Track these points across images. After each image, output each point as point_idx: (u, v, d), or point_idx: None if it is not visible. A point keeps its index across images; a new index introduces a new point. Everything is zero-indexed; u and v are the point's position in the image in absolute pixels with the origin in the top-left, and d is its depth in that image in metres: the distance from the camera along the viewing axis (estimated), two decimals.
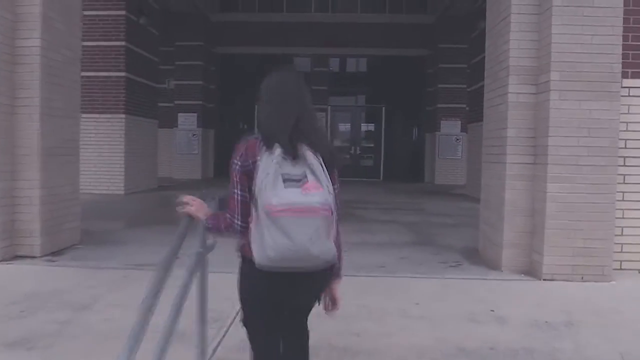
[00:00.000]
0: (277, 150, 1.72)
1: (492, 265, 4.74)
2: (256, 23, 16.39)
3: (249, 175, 1.78)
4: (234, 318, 3.37)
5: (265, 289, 1.84)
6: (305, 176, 1.70)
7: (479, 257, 5.14)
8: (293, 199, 1.66)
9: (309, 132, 1.81)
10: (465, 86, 15.30)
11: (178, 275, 2.14)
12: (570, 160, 4.26)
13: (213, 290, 4.08)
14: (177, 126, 15.86)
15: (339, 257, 1.93)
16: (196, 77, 15.79)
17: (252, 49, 16.57)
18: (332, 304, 2.05)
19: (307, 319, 2.06)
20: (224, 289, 4.14)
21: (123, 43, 10.19)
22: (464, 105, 15.38)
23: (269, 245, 1.66)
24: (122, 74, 10.22)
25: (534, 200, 4.47)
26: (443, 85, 15.48)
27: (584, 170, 4.26)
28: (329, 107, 16.68)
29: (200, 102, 15.82)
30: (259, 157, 1.76)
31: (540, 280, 4.29)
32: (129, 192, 10.37)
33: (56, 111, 4.97)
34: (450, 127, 15.50)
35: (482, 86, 10.87)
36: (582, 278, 4.22)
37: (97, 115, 10.25)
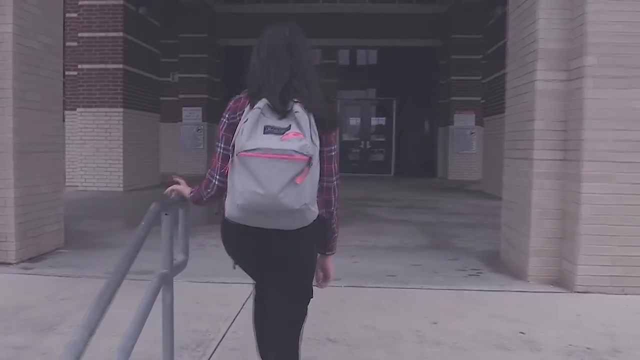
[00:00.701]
0: (263, 101, 1.65)
1: (517, 273, 4.22)
2: (262, 14, 15.86)
3: (233, 129, 1.71)
4: (220, 341, 2.90)
5: (236, 237, 1.78)
6: (289, 128, 1.62)
7: (500, 263, 4.62)
8: (267, 143, 1.58)
9: (301, 89, 1.71)
10: (479, 78, 14.70)
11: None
12: (608, 157, 3.72)
13: (197, 304, 3.63)
14: (181, 120, 15.43)
15: (333, 229, 1.84)
16: (201, 70, 15.34)
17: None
18: (324, 277, 1.93)
19: (294, 298, 1.85)
20: (211, 303, 3.68)
21: (121, 34, 9.74)
22: (479, 98, 14.79)
23: (238, 191, 1.60)
24: (120, 65, 9.77)
25: (565, 201, 3.94)
26: (456, 77, 14.88)
27: (623, 168, 3.72)
28: (339, 101, 16.15)
29: (206, 96, 15.38)
30: (240, 112, 1.72)
31: (572, 292, 3.77)
32: (129, 189, 9.95)
33: (32, 104, 4.52)
34: (464, 121, 14.90)
35: (499, 77, 10.35)
36: (622, 291, 3.69)
37: (94, 109, 9.83)
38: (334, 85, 15.93)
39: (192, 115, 15.41)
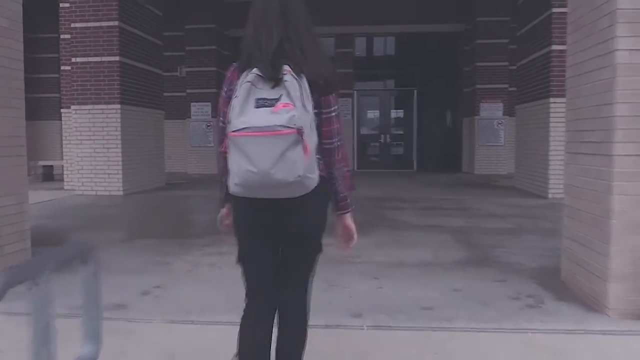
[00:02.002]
0: (253, 71, 1.64)
1: (590, 302, 3.28)
2: None
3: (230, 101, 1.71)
4: None
5: (243, 214, 1.80)
6: (279, 98, 1.60)
7: (563, 286, 3.68)
8: (255, 120, 1.58)
9: (294, 54, 1.70)
10: (506, 64, 13.67)
11: None
12: None
13: None
14: (190, 117, 14.65)
15: (338, 190, 1.83)
16: (209, 62, 14.51)
17: None
18: (345, 237, 1.90)
19: (303, 276, 1.87)
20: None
21: (116, 23, 8.93)
22: (506, 85, 13.75)
23: (234, 171, 1.63)
24: (117, 58, 8.96)
25: None
26: (482, 63, 13.82)
27: None
28: (355, 92, 15.20)
29: (215, 90, 14.52)
30: (237, 81, 1.71)
31: None
32: (129, 193, 9.17)
33: None
34: (490, 110, 13.85)
35: (533, 61, 9.30)
36: None
37: (89, 107, 9.05)
38: (350, 75, 15.00)
39: (201, 111, 14.61)
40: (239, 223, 1.83)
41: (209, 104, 14.53)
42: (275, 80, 1.63)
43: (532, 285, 3.71)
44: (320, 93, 1.72)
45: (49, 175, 12.16)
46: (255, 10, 1.79)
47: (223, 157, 1.78)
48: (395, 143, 15.13)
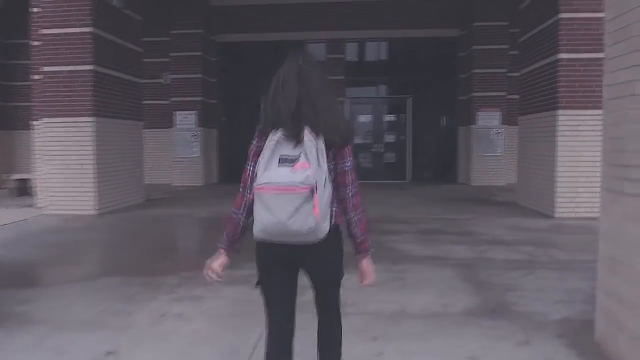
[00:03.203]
0: (279, 132, 1.91)
1: None
2: (262, 6, 14.36)
3: (257, 153, 1.98)
4: None
5: (264, 256, 2.05)
6: (299, 157, 1.86)
7: (599, 350, 3.07)
8: (277, 177, 1.83)
9: (309, 114, 1.94)
10: (505, 70, 13.15)
11: None
12: None
13: None
14: (174, 126, 13.97)
15: (354, 234, 2.05)
16: (195, 69, 13.86)
17: (258, 36, 14.56)
18: (363, 278, 2.11)
19: (332, 300, 2.17)
20: None
21: (90, 29, 8.26)
22: (504, 93, 13.22)
23: (257, 219, 1.88)
24: (90, 67, 8.29)
25: None
26: (478, 70, 13.27)
27: None
28: (347, 99, 14.60)
29: (200, 98, 13.90)
30: (265, 139, 1.95)
31: None
32: (105, 212, 8.50)
33: None
34: (488, 119, 13.31)
35: (539, 69, 8.71)
36: None
37: (61, 119, 8.37)
38: (342, 82, 14.40)
39: (186, 120, 13.93)
40: (261, 258, 2.08)
41: (194, 112, 13.88)
42: (297, 140, 1.90)
43: (562, 350, 3.09)
44: (335, 148, 1.98)
45: (24, 190, 11.44)
46: (278, 76, 2.04)
47: (241, 197, 2.09)
48: (389, 153, 14.50)
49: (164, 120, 14.48)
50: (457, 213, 8.36)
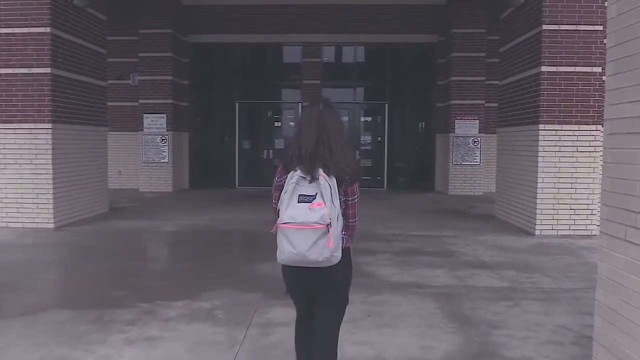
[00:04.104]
0: (297, 172, 2.28)
1: None
2: (236, 7, 13.88)
3: (281, 189, 2.34)
4: None
5: (288, 276, 2.47)
6: (315, 196, 2.22)
7: None
8: (297, 216, 2.20)
9: (324, 156, 2.30)
10: (483, 78, 12.97)
11: None
12: None
13: None
14: (143, 129, 13.40)
15: (352, 237, 2.50)
16: (165, 71, 13.32)
17: (231, 38, 14.09)
18: None
19: (331, 321, 2.51)
20: None
21: (48, 29, 7.70)
22: (483, 102, 13.04)
23: (281, 249, 2.27)
24: (47, 70, 7.73)
25: None
26: (457, 77, 13.06)
27: None
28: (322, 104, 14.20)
29: (170, 101, 13.36)
30: (286, 176, 2.34)
31: None
32: (63, 224, 7.96)
33: None
34: (466, 127, 13.12)
35: (520, 81, 8.45)
36: None
37: (15, 126, 7.79)
38: (318, 86, 14.04)
39: (155, 123, 13.38)
40: (286, 276, 2.49)
41: (164, 116, 13.34)
42: (312, 177, 2.26)
43: None
44: (345, 185, 2.35)
45: None
46: (301, 119, 2.46)
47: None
48: (365, 160, 14.17)
49: (132, 123, 13.91)
50: (436, 229, 8.07)
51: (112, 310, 4.25)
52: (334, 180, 2.26)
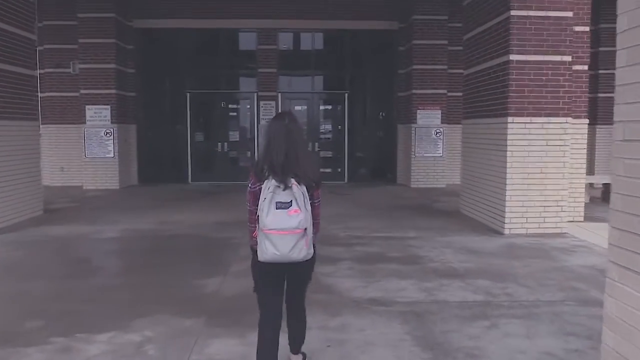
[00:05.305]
0: (272, 181, 2.58)
1: None
2: None
3: (256, 195, 2.68)
4: None
5: (264, 272, 2.78)
6: (291, 202, 2.56)
7: None
8: (279, 222, 2.54)
9: (293, 165, 2.64)
10: (445, 67, 12.55)
11: None
12: None
13: None
14: (85, 122, 12.39)
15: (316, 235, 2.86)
16: (108, 58, 12.32)
17: (181, 23, 13.19)
18: None
19: (302, 294, 3.02)
20: None
21: None
22: (445, 91, 12.63)
23: (264, 251, 2.58)
24: None
25: None
26: (419, 66, 12.60)
27: None
28: (279, 94, 13.54)
29: (115, 91, 12.38)
30: (259, 184, 2.67)
31: None
32: None
33: None
34: (428, 117, 12.71)
35: (485, 70, 8.01)
36: None
37: None
38: (274, 75, 13.34)
39: (98, 115, 12.40)
40: (261, 272, 2.81)
41: (107, 107, 12.36)
42: (285, 187, 2.58)
43: None
44: (312, 189, 2.72)
45: None
46: (269, 133, 2.78)
47: (254, 230, 2.74)
48: (324, 152, 13.58)
49: (74, 115, 12.88)
50: (400, 229, 7.56)
51: (18, 349, 3.51)
52: (304, 187, 2.62)
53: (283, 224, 2.52)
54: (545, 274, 5.33)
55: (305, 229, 2.56)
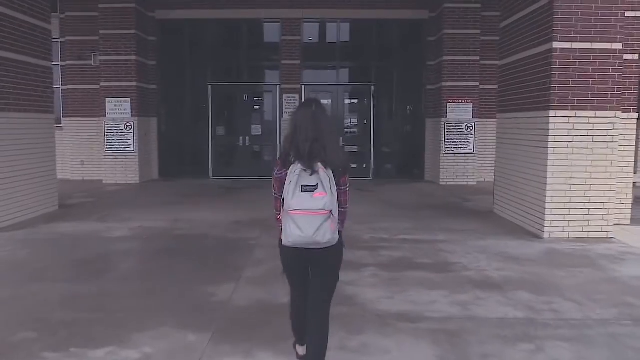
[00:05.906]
0: (298, 165, 2.58)
1: None
2: None
3: (282, 181, 2.67)
4: None
5: (290, 257, 2.77)
6: (316, 186, 2.55)
7: None
8: (304, 204, 2.52)
9: (321, 152, 2.60)
10: (478, 58, 11.91)
11: None
12: None
13: None
14: (105, 115, 12.16)
15: (343, 222, 2.82)
16: (128, 50, 12.05)
17: (202, 13, 12.84)
18: None
19: (327, 295, 2.84)
20: None
21: None
22: (477, 83, 11.99)
23: (289, 233, 2.57)
24: None
25: None
26: (449, 57, 11.98)
27: None
28: (303, 87, 13.07)
29: (135, 83, 12.11)
30: (285, 170, 2.66)
31: None
32: (3, 229, 6.82)
33: None
34: (459, 112, 12.09)
35: (522, 60, 7.42)
36: None
37: None
38: (298, 67, 12.88)
39: (118, 108, 12.15)
40: (286, 257, 2.80)
41: (128, 100, 12.10)
42: (312, 172, 2.57)
43: None
44: (339, 176, 2.68)
45: None
46: (296, 119, 2.74)
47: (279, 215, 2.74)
48: (350, 148, 13.06)
49: (95, 108, 12.66)
50: (429, 231, 7.04)
51: None
52: (331, 172, 2.60)
53: (308, 204, 2.51)
54: (594, 286, 4.76)
55: (331, 211, 2.54)
